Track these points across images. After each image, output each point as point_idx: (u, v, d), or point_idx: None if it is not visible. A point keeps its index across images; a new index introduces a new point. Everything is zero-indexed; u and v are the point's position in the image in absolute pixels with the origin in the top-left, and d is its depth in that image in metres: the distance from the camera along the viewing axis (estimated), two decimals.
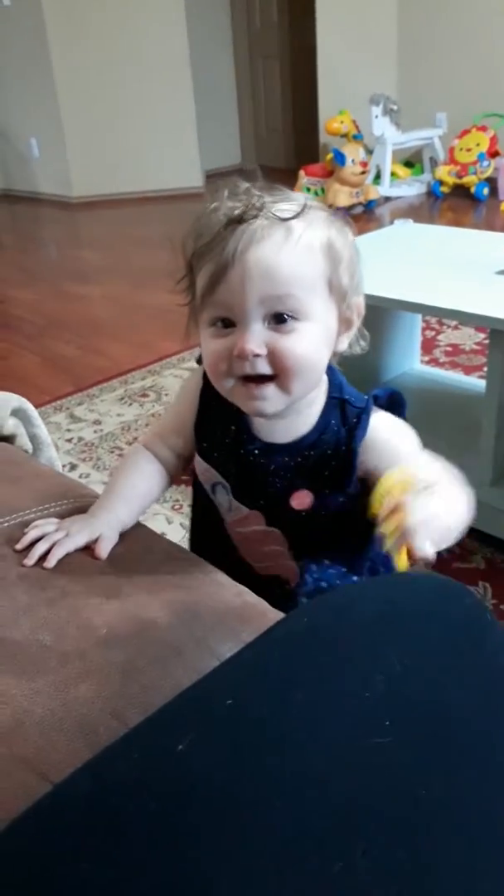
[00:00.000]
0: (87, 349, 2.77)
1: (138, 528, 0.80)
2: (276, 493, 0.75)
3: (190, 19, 5.10)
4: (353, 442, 0.72)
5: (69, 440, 2.07)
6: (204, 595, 0.67)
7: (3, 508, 0.80)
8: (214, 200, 0.66)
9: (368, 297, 0.74)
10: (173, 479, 0.84)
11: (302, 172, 4.51)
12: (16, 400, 1.06)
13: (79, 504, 0.81)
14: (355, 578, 0.78)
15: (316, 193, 4.40)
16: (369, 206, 4.40)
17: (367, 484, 0.70)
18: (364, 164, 4.27)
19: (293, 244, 0.64)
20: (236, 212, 0.64)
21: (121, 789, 0.40)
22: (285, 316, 0.64)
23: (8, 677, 0.59)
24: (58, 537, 0.73)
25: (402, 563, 0.57)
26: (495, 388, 1.34)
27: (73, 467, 1.91)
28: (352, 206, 4.32)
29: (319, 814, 0.39)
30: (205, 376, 0.73)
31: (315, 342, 0.67)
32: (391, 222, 2.12)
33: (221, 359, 0.66)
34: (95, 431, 2.11)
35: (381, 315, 1.79)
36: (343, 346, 0.72)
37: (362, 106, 4.44)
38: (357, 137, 4.58)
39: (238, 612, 0.66)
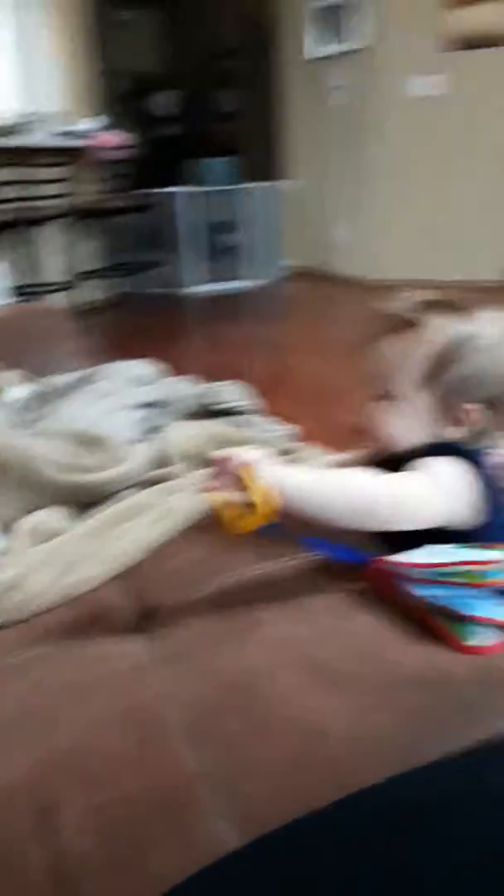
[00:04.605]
0: None
1: None
2: None
3: None
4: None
5: None
6: (502, 662, 0.69)
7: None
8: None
9: None
10: None
11: None
12: None
13: None
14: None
15: None
16: None
17: None
18: None
19: (398, 343, 0.83)
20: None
21: (439, 805, 0.43)
22: (384, 393, 0.83)
23: (317, 692, 0.65)
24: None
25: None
26: None
27: None
28: None
29: None
30: None
31: (393, 418, 0.83)
32: None
33: None
34: None
35: None
36: (455, 435, 0.83)
37: None
38: None
39: None
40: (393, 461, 0.86)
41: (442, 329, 0.82)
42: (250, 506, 0.69)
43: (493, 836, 0.41)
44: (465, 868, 0.40)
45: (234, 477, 0.70)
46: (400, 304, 0.85)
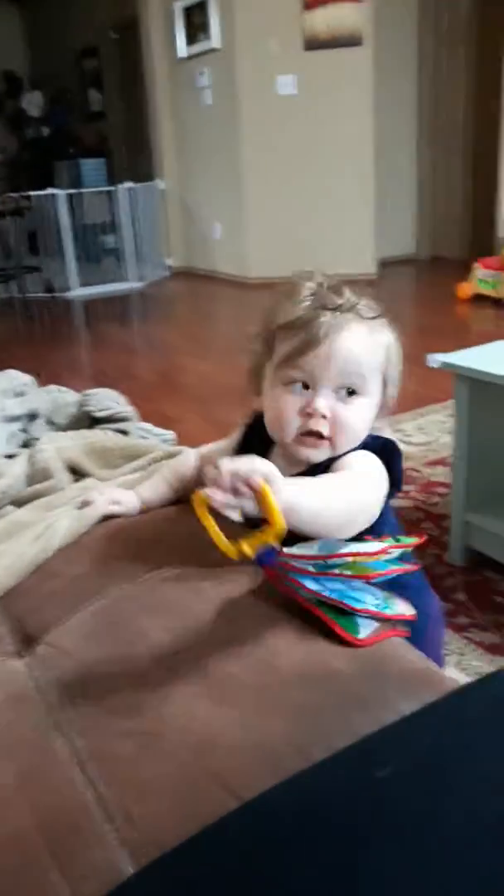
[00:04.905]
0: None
1: None
2: None
3: (378, 114, 5.34)
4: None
5: None
6: (388, 654, 0.70)
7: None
8: (305, 289, 0.81)
9: None
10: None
11: (478, 264, 4.55)
12: None
13: None
14: None
15: (493, 286, 4.41)
16: None
17: None
18: None
19: (369, 337, 0.80)
20: (329, 303, 0.79)
21: (328, 803, 0.43)
22: (351, 390, 0.80)
23: (204, 701, 0.64)
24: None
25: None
26: None
27: None
28: None
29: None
30: (248, 427, 0.92)
31: (365, 415, 0.82)
32: None
33: (292, 412, 0.80)
34: None
35: None
36: (379, 424, 0.86)
37: None
38: None
39: (421, 676, 0.67)
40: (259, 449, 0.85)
41: (385, 323, 0.84)
42: (264, 524, 0.61)
43: (378, 835, 0.41)
44: (348, 865, 0.39)
45: (252, 492, 0.61)
46: (335, 294, 0.81)
